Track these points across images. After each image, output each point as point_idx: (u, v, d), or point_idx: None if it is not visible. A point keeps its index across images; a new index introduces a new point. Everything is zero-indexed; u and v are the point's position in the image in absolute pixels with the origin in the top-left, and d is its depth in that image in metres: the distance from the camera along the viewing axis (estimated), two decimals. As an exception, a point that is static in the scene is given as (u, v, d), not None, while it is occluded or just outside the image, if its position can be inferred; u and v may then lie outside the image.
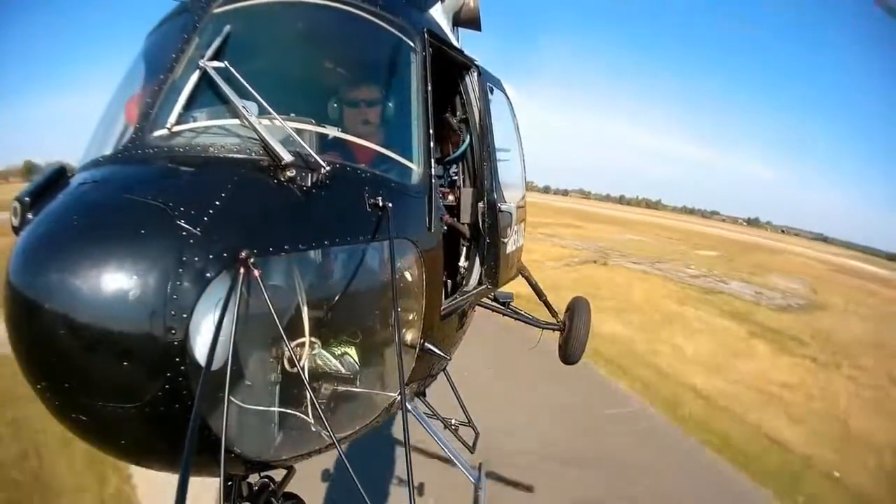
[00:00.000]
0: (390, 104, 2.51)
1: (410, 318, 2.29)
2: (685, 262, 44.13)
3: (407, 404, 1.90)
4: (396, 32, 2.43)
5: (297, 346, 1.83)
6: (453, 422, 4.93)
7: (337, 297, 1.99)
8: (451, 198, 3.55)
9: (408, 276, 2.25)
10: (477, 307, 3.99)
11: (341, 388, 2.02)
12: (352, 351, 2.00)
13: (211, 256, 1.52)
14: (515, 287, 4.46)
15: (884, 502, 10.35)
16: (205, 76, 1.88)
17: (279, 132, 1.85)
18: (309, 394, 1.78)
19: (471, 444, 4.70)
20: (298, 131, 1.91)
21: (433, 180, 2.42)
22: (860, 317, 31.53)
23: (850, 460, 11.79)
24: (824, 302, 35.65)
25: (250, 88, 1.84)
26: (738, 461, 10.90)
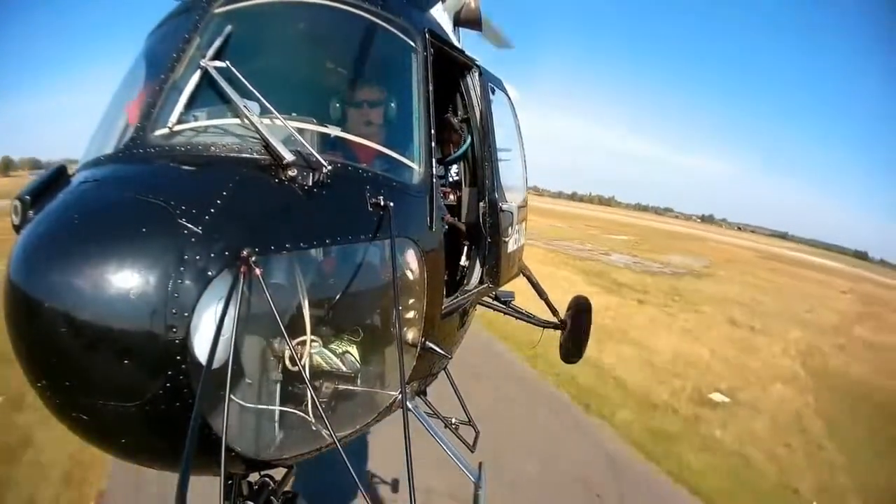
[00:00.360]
0: (391, 104, 2.51)
1: (412, 316, 2.29)
2: (583, 241, 47.17)
3: (407, 403, 1.90)
4: (398, 32, 2.43)
5: (299, 344, 1.83)
6: (454, 420, 4.93)
7: (338, 296, 1.99)
8: (452, 197, 3.55)
9: (409, 275, 2.25)
10: (478, 305, 3.99)
11: (342, 387, 2.02)
12: (353, 349, 2.00)
13: (212, 255, 1.52)
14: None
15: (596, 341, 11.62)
16: (206, 76, 1.88)
17: (280, 132, 1.85)
18: (310, 393, 1.79)
19: (471, 442, 4.71)
20: (300, 131, 1.90)
21: (434, 180, 2.42)
22: (740, 284, 33.97)
23: (605, 351, 14.39)
24: (710, 273, 38.18)
25: (251, 88, 1.84)
26: (499, 334, 14.28)
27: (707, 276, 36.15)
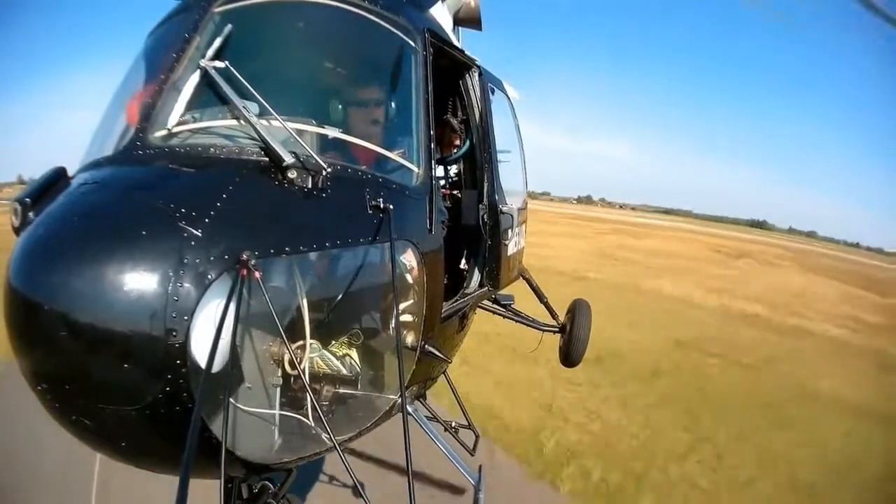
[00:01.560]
0: (391, 105, 2.50)
1: (411, 320, 2.28)
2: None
3: (407, 407, 1.89)
4: (397, 32, 2.42)
5: (298, 348, 1.82)
6: (453, 424, 4.91)
7: (338, 300, 1.99)
8: (451, 199, 3.54)
9: (408, 278, 2.24)
10: (477, 309, 3.98)
11: (342, 391, 2.01)
12: (353, 353, 1.99)
13: (212, 258, 1.51)
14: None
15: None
16: (206, 76, 1.86)
17: (280, 133, 1.84)
18: (310, 396, 1.78)
19: (471, 446, 4.69)
20: (299, 132, 1.90)
21: (434, 182, 2.41)
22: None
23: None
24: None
25: (251, 89, 1.83)
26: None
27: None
